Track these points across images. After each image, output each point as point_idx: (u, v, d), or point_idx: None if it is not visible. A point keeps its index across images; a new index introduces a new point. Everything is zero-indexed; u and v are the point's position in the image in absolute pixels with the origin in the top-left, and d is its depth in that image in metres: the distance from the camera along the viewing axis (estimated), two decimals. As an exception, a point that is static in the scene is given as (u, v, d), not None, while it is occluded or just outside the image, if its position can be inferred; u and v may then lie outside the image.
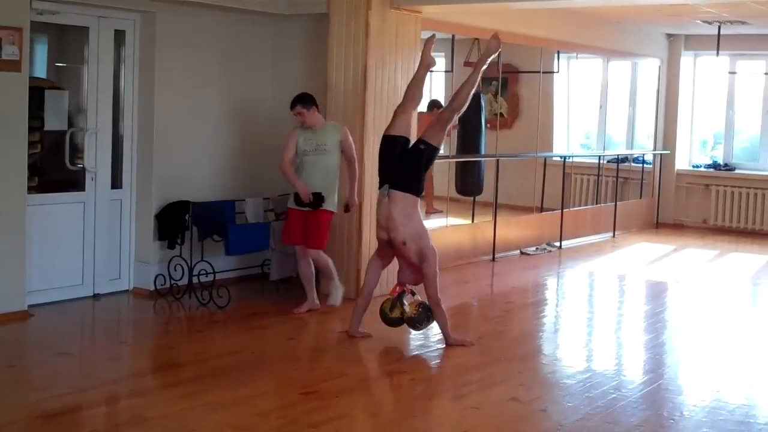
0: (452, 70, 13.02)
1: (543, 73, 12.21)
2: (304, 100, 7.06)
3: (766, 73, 12.77)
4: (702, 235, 12.43)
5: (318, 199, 7.00)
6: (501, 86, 13.48)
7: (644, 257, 10.59)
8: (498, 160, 10.52)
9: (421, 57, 6.55)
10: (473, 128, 11.23)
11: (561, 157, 11.73)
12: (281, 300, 7.53)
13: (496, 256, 9.83)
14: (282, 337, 6.49)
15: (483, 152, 11.19)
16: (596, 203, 12.44)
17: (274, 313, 7.08)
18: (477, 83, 6.33)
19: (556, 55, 12.32)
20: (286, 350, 6.20)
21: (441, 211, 11.58)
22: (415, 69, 6.75)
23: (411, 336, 6.55)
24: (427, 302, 6.26)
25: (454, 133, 11.30)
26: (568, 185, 12.72)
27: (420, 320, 6.28)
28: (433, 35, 6.77)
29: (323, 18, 7.70)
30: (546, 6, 8.81)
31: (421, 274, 6.21)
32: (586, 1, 8.61)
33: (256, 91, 8.32)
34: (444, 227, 9.65)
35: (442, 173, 11.40)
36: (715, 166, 13.20)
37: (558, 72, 12.75)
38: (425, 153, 6.17)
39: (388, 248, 6.25)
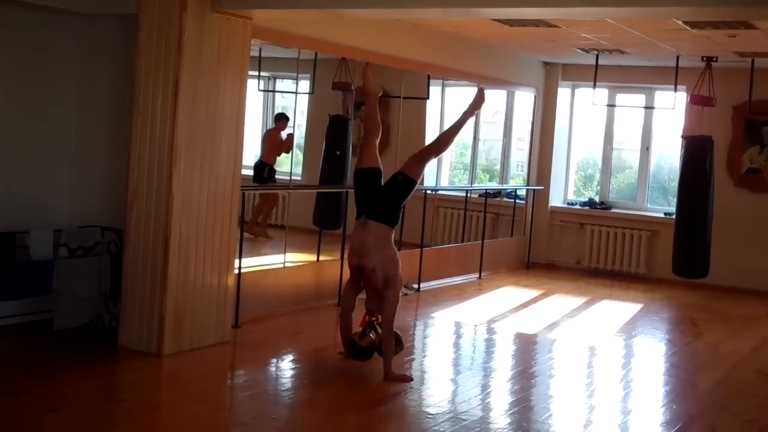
0: (313, 92, 12.03)
1: (413, 99, 11.31)
2: None
3: (645, 107, 12.11)
4: (575, 278, 11.61)
5: None
6: (370, 111, 12.48)
7: (509, 304, 9.61)
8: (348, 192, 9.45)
9: (364, 89, 6.81)
10: (338, 156, 10.34)
11: (424, 189, 10.68)
12: (65, 356, 6.23)
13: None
14: (42, 408, 5.14)
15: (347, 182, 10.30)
16: (463, 241, 11.47)
17: (45, 373, 5.75)
18: (461, 129, 6.71)
19: (426, 81, 11.38)
20: (39, 428, 4.91)
21: (271, 238, 10.56)
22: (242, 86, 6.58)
23: (209, 411, 5.39)
24: (381, 327, 6.23)
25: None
26: (435, 221, 11.80)
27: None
28: (367, 63, 7.07)
29: (137, 19, 6.51)
30: (382, 15, 7.55)
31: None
32: (429, 13, 7.27)
33: (56, 103, 7.05)
34: (281, 267, 8.44)
35: (299, 203, 10.44)
36: (590, 204, 12.46)
37: (429, 99, 11.79)
38: (403, 185, 6.39)
39: (357, 275, 6.34)
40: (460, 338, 8.17)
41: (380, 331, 6.26)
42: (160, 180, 6.34)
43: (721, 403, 6.30)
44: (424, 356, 7.35)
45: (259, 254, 8.85)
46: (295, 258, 9.10)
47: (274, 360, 6.77)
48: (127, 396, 5.55)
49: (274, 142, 11.47)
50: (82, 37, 7.12)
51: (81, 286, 6.44)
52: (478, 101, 6.86)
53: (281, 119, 11.68)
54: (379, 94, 6.79)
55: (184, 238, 6.41)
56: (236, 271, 7.15)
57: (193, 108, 6.38)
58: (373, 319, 6.34)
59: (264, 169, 11.29)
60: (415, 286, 9.82)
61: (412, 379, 6.20)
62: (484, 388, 6.38)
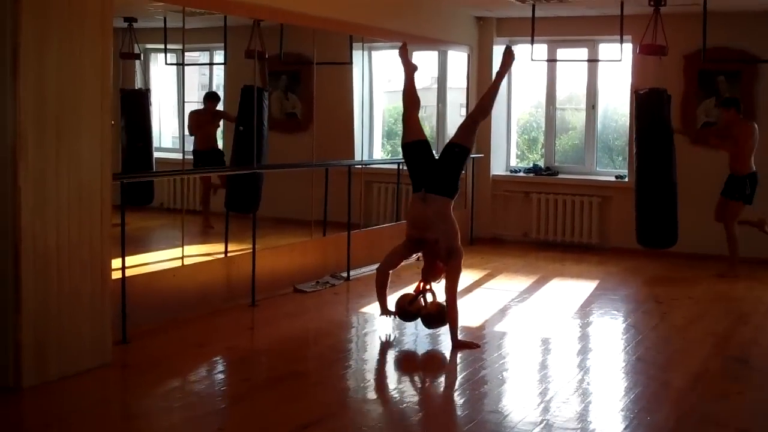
0: (226, 63, 10.83)
1: (334, 64, 10.21)
2: None
3: (589, 61, 11.07)
4: (522, 253, 10.58)
5: None
6: (292, 81, 11.28)
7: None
8: (257, 172, 8.27)
9: (403, 67, 6.93)
10: (251, 132, 9.17)
11: (347, 165, 9.45)
12: None
13: (256, 298, 7.53)
14: None
15: (266, 160, 9.15)
16: (397, 219, 10.35)
17: None
18: (498, 89, 6.81)
19: (349, 43, 10.21)
20: None
21: (212, 228, 9.45)
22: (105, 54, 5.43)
23: None
24: (445, 297, 6.36)
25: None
26: (367, 198, 10.67)
27: (437, 319, 6.51)
28: (404, 42, 7.10)
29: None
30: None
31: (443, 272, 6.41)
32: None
33: None
34: (178, 266, 7.18)
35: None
36: (535, 170, 11.41)
37: (351, 63, 10.61)
38: (460, 156, 6.50)
39: (414, 247, 6.52)
40: (400, 336, 6.93)
41: (429, 301, 6.55)
42: (4, 172, 5.11)
43: (703, 407, 5.22)
44: (359, 362, 6.27)
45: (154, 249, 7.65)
46: (206, 250, 7.98)
47: (169, 384, 5.57)
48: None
49: (203, 124, 10.20)
50: None
51: None
52: (507, 60, 6.86)
53: (210, 99, 10.43)
54: (416, 71, 6.92)
55: (41, 242, 5.20)
56: (120, 276, 6.01)
57: (39, 80, 5.16)
58: (428, 287, 6.54)
59: (210, 156, 10.06)
60: (344, 275, 8.69)
61: (479, 346, 6.29)
62: (422, 404, 5.30)
